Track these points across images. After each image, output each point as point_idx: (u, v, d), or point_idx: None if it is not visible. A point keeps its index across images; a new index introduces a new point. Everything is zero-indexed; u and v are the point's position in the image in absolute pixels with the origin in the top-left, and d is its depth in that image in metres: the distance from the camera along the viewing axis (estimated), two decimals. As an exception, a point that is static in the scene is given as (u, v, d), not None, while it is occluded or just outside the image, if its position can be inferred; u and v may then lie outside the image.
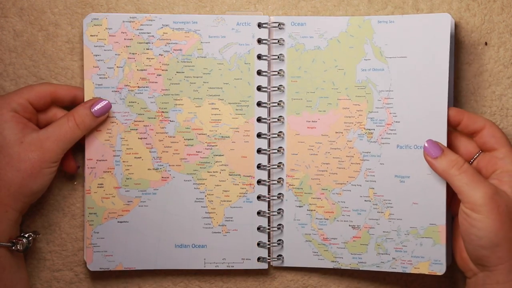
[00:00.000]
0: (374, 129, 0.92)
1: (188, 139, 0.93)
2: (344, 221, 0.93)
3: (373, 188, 0.92)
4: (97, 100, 0.91)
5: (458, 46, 0.93)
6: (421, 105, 0.90)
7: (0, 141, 0.86)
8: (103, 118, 0.91)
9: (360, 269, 0.93)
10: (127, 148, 0.92)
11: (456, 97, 0.94)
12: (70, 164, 0.93)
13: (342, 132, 0.92)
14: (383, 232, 0.92)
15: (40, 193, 0.89)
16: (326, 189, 0.93)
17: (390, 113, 0.91)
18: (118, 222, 0.93)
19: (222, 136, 0.93)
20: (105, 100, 0.91)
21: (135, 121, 0.92)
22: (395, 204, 0.92)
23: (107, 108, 0.91)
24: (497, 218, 0.83)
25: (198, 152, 0.93)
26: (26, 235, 0.89)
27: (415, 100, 0.90)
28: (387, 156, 0.92)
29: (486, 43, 0.94)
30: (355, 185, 0.93)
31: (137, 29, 0.92)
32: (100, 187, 0.93)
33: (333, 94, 0.92)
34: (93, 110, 0.90)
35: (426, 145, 0.88)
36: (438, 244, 0.90)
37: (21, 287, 0.89)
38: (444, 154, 0.87)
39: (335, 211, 0.93)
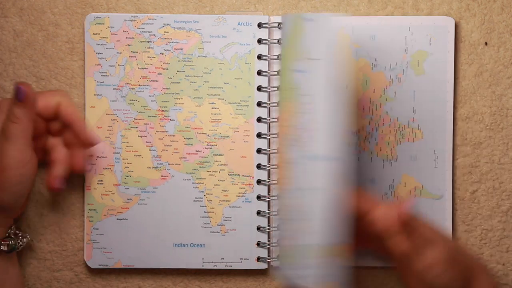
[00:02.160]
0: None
1: (188, 138, 0.93)
2: None
3: None
4: (16, 85, 0.85)
5: (458, 46, 0.94)
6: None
7: None
8: (30, 103, 0.84)
9: None
10: (127, 146, 0.93)
11: (456, 97, 0.94)
12: (51, 180, 0.89)
13: None
14: None
15: (15, 206, 0.86)
16: None
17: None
18: (117, 219, 0.93)
19: (222, 136, 0.93)
20: (23, 83, 0.85)
21: (136, 119, 0.93)
22: None
23: (24, 90, 0.83)
24: (451, 269, 0.81)
25: (198, 151, 0.93)
26: (13, 236, 0.88)
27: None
28: None
29: (486, 43, 0.94)
30: None
31: (139, 28, 0.92)
32: (100, 183, 0.93)
33: None
34: (15, 98, 0.84)
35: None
36: None
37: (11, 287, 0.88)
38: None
39: None
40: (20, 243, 0.89)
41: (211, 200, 0.93)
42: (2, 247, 0.86)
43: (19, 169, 0.83)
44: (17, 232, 0.89)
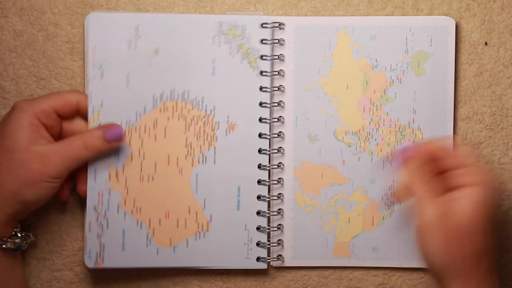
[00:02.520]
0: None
1: (188, 138, 0.93)
2: None
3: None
4: (112, 125, 0.89)
5: (458, 46, 0.94)
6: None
7: (10, 143, 0.85)
8: (115, 144, 0.89)
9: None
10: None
11: (456, 97, 0.94)
12: (63, 191, 0.91)
13: None
14: None
15: (34, 205, 0.87)
16: None
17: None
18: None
19: (222, 136, 0.93)
20: (120, 126, 0.89)
21: (135, 119, 0.93)
22: None
23: (119, 134, 0.89)
24: (444, 238, 0.80)
25: (198, 151, 0.93)
26: (19, 235, 0.88)
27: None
28: None
29: (486, 43, 0.94)
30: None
31: (138, 28, 0.93)
32: None
33: None
34: (105, 134, 0.88)
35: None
36: None
37: (15, 286, 0.88)
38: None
39: None
40: (26, 241, 0.89)
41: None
42: (9, 245, 0.86)
43: (55, 177, 0.86)
44: (21, 232, 0.89)
